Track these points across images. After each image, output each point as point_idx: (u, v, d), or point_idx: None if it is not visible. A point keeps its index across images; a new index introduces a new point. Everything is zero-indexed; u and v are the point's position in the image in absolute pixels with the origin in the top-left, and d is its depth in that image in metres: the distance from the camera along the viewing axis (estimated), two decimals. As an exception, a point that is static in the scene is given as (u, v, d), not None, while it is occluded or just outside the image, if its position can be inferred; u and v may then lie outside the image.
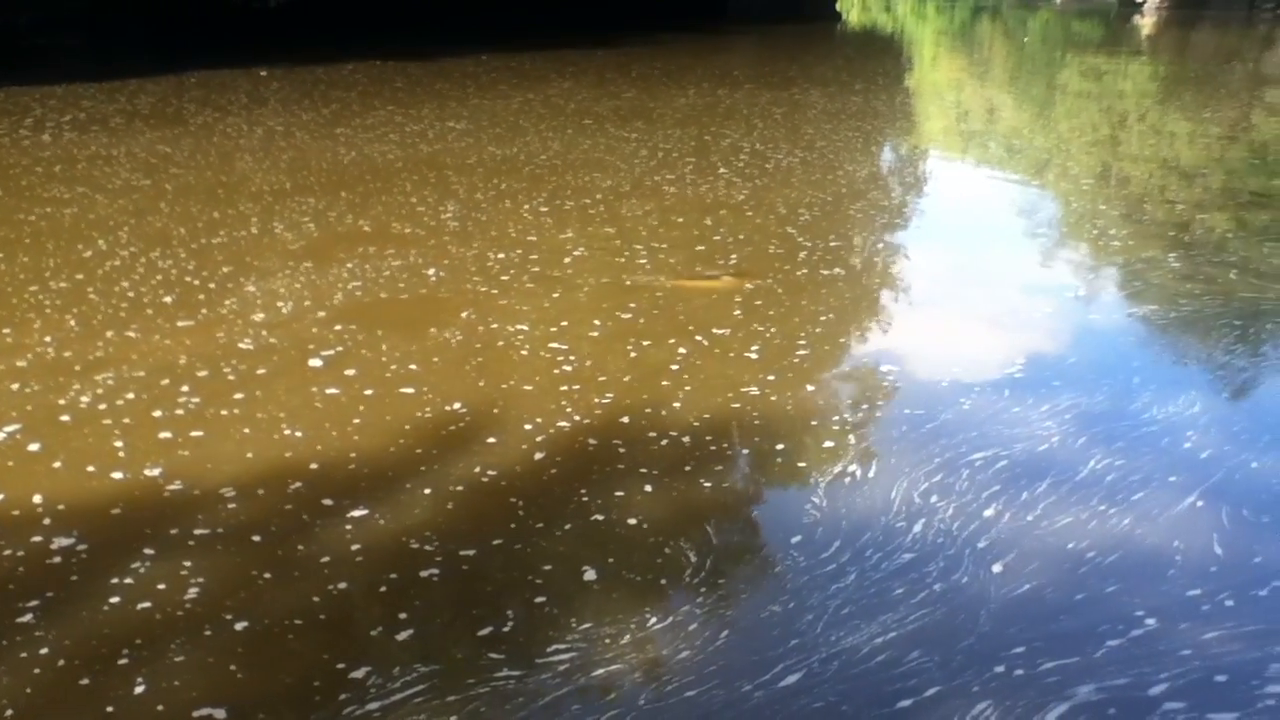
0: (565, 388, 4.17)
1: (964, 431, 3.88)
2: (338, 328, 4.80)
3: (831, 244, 6.33)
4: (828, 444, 3.79)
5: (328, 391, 4.11)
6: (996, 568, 3.07)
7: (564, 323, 4.89)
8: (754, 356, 4.54)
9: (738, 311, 5.09)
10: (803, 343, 4.71)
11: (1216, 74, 17.59)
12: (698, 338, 4.72)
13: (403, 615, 2.78)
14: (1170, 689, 2.59)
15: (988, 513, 3.35)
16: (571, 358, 4.48)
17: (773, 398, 4.14)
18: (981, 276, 5.98)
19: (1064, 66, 19.62)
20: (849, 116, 11.57)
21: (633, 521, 3.23)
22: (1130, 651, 2.73)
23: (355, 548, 3.07)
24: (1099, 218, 7.36)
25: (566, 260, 6.02)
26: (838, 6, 35.59)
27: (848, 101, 12.69)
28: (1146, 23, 30.10)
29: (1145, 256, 6.30)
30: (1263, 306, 5.38)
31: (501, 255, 5.99)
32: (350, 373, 4.29)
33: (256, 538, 3.12)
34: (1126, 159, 9.83)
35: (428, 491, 3.37)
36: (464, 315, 4.99)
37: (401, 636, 2.70)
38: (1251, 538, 3.25)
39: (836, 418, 4.00)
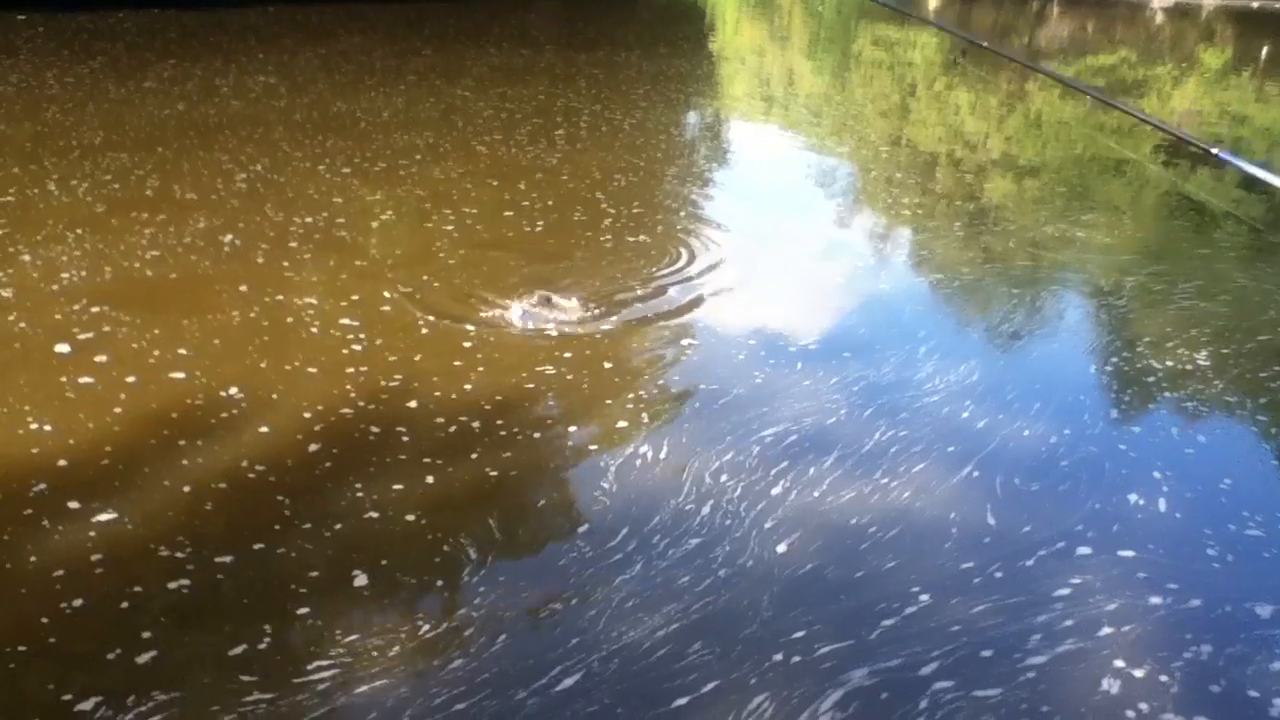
0: (352, 369, 3.84)
1: (756, 407, 3.77)
2: (98, 309, 4.27)
3: (635, 210, 6.14)
4: (621, 424, 3.62)
5: (81, 380, 3.64)
6: (781, 548, 2.97)
7: (357, 295, 4.54)
8: (551, 332, 4.31)
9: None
10: (601, 315, 4.51)
11: (995, 47, 18.24)
12: (494, 311, 4.46)
13: (145, 635, 2.44)
14: (940, 668, 2.55)
15: (775, 491, 3.25)
16: (362, 336, 4.14)
17: (569, 376, 3.93)
18: (781, 245, 5.91)
19: (858, 35, 19.97)
20: (668, 80, 11.40)
21: (411, 518, 2.97)
22: (904, 630, 2.67)
23: (96, 558, 2.69)
24: (893, 185, 7.44)
25: (374, 225, 5.65)
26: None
27: (667, 65, 12.51)
28: (933, -5, 31.06)
29: (932, 225, 6.39)
30: (1037, 275, 5.52)
31: (309, 219, 5.56)
32: (103, 358, 3.82)
33: (-16, 551, 2.71)
34: (917, 125, 10.03)
35: (186, 490, 3.01)
36: (253, 289, 4.56)
37: (141, 659, 2.37)
38: (1021, 506, 3.27)
39: (632, 396, 3.83)
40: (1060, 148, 9.26)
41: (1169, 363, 4.38)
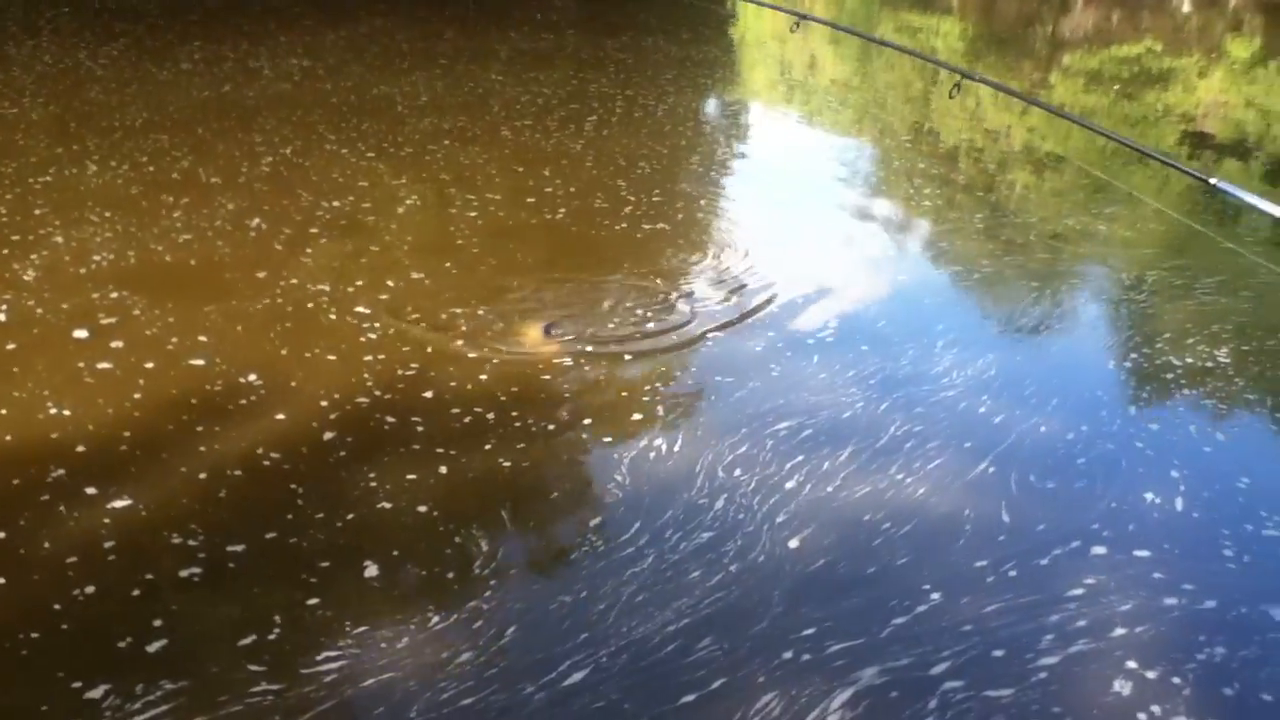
0: (369, 357, 3.80)
1: (771, 400, 3.70)
2: (119, 294, 4.24)
3: (655, 199, 6.06)
4: (636, 416, 3.56)
5: (100, 366, 3.62)
6: (794, 543, 2.91)
7: (378, 283, 4.50)
8: (568, 329, 4.24)
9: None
10: (616, 308, 4.45)
11: (1020, 36, 17.94)
12: (513, 302, 4.40)
13: (156, 623, 2.42)
14: (950, 668, 2.49)
15: (789, 485, 3.19)
16: (379, 324, 4.10)
17: (586, 368, 3.87)
18: (800, 236, 5.81)
19: (880, 22, 19.66)
20: (695, 65, 11.26)
21: (423, 509, 2.93)
22: (914, 629, 2.61)
23: (109, 545, 2.67)
24: (914, 175, 7.31)
25: (398, 210, 5.61)
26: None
27: (695, 50, 12.35)
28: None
29: (953, 216, 6.28)
30: (1058, 268, 5.41)
31: (335, 203, 5.53)
32: (122, 343, 3.79)
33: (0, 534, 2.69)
34: (939, 114, 9.85)
35: (202, 477, 2.98)
36: (275, 275, 4.52)
37: (152, 648, 2.35)
38: (1036, 504, 3.19)
39: (648, 388, 3.77)
40: (1082, 139, 9.09)
41: (1189, 359, 4.27)
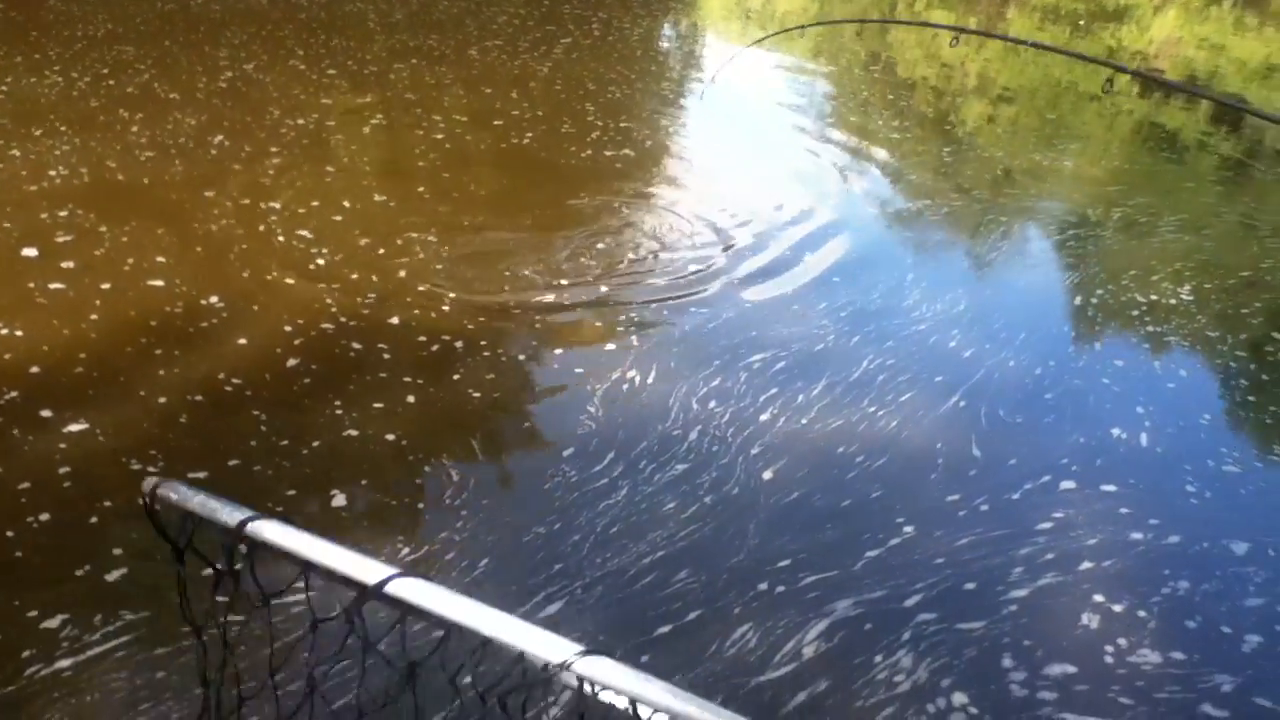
0: (333, 283, 3.62)
1: (745, 332, 3.60)
2: (69, 212, 4.02)
3: (622, 124, 5.87)
4: (609, 347, 3.44)
5: (52, 286, 3.41)
6: (768, 475, 2.83)
7: (336, 203, 4.30)
8: (534, 257, 4.09)
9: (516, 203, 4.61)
10: (584, 236, 4.29)
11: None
12: (479, 229, 4.23)
13: (116, 551, 2.28)
14: (923, 600, 2.44)
15: (763, 417, 3.10)
16: (342, 249, 3.91)
17: (553, 298, 3.72)
18: (768, 166, 5.66)
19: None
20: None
21: (391, 437, 2.80)
22: (888, 562, 2.55)
23: (65, 470, 2.52)
24: (871, 107, 7.16)
25: (365, 130, 5.38)
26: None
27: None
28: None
29: (919, 150, 6.15)
30: (1023, 203, 5.32)
31: (300, 121, 5.28)
32: (77, 263, 3.59)
33: (-50, 460, 2.53)
34: (895, 46, 9.66)
35: (162, 402, 2.82)
36: (237, 195, 4.31)
37: (111, 577, 2.22)
38: (1006, 439, 3.14)
39: (620, 319, 3.64)
40: (1040, 71, 8.97)
41: (1153, 296, 4.23)
